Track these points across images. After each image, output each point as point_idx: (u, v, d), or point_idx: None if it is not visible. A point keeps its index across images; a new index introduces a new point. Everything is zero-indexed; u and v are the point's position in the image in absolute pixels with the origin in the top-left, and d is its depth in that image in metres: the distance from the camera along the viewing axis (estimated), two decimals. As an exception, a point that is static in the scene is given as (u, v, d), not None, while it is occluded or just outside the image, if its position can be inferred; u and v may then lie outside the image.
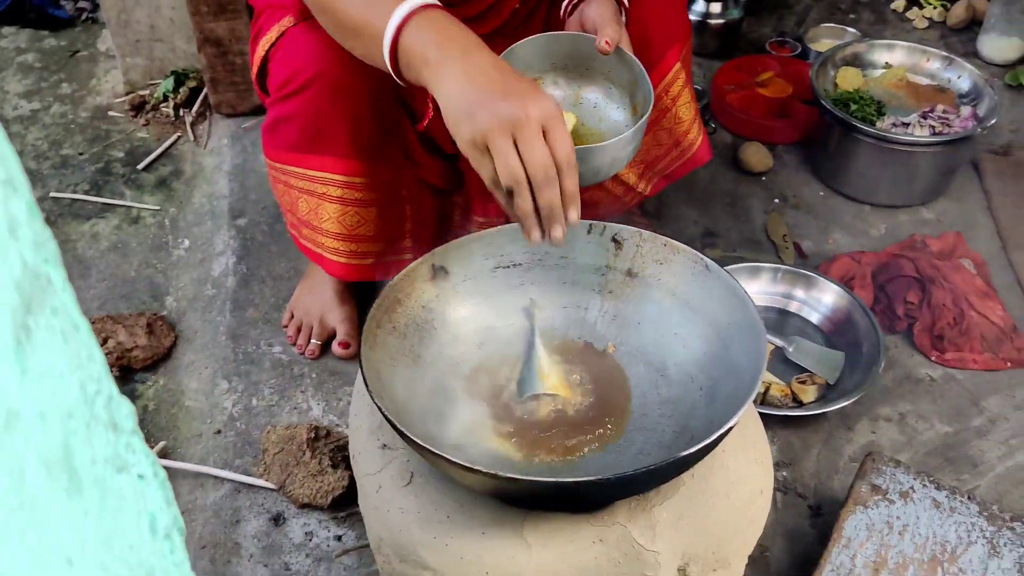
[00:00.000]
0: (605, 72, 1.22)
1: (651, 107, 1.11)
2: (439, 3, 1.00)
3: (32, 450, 0.29)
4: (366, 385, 0.85)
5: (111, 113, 2.23)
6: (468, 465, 0.76)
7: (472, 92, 0.92)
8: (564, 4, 1.29)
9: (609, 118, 1.23)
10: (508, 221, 1.54)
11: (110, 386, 0.38)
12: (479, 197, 1.51)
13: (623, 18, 1.24)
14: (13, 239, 0.30)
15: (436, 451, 0.78)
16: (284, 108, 1.31)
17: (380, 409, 0.82)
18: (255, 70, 1.37)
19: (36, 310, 0.31)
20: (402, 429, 0.80)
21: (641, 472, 0.76)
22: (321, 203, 1.38)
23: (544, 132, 0.91)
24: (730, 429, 0.80)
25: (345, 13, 1.04)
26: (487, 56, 0.96)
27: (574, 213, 0.94)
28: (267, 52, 1.33)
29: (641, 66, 1.15)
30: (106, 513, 0.35)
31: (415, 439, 0.79)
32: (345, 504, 1.38)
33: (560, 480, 0.76)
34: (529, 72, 1.24)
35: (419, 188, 1.47)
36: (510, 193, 0.93)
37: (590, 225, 1.05)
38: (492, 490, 0.83)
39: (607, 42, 1.13)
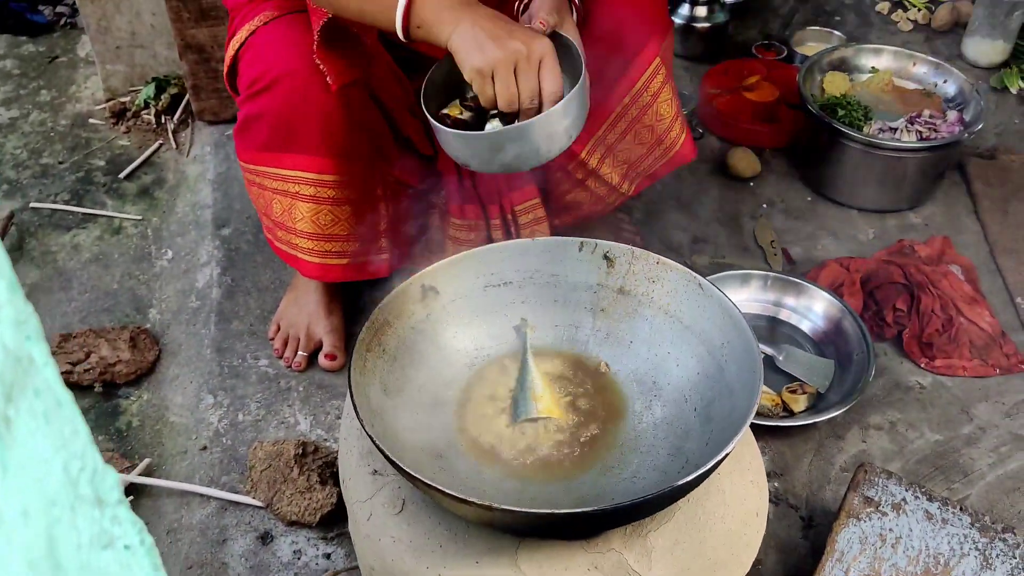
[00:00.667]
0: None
1: (583, 80, 1.16)
2: None
3: (15, 551, 0.28)
4: (356, 412, 0.83)
5: (91, 120, 2.20)
6: (461, 497, 0.75)
7: (482, 32, 1.10)
8: (516, 4, 1.30)
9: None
10: (487, 220, 1.53)
11: (95, 458, 0.36)
12: (456, 199, 1.50)
13: (574, 15, 1.27)
14: (-9, 323, 0.28)
15: (428, 482, 0.76)
16: (254, 106, 1.30)
17: (371, 437, 0.81)
18: (226, 69, 1.37)
19: (17, 397, 0.29)
20: (394, 460, 0.78)
21: (637, 502, 0.75)
22: (295, 203, 1.37)
23: (540, 66, 1.11)
24: (726, 455, 0.79)
25: None
26: (489, 10, 1.15)
27: None
28: (237, 52, 1.32)
29: (577, 47, 1.21)
30: (92, 597, 0.34)
31: (407, 469, 0.78)
32: (334, 521, 1.36)
33: (555, 512, 0.75)
34: None
35: (395, 188, 1.46)
36: (502, 115, 1.15)
37: (581, 243, 1.04)
38: (486, 520, 0.82)
39: (542, 22, 1.20)
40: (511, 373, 1.02)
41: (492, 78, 1.10)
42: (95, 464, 0.36)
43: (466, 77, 1.12)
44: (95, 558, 0.35)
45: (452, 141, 1.17)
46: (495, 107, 1.13)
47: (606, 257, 1.04)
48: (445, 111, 1.21)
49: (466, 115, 1.22)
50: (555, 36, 1.21)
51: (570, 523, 0.78)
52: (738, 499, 0.92)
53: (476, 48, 1.10)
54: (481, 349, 1.04)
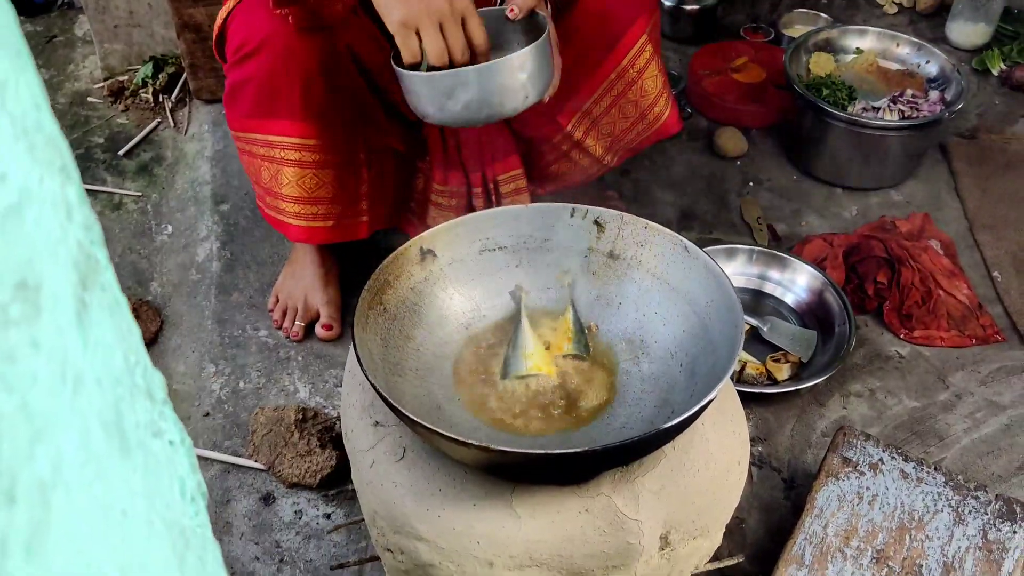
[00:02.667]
0: (531, 41, 1.27)
1: (544, 37, 1.18)
2: None
3: (94, 412, 0.32)
4: (360, 363, 0.88)
5: (90, 99, 2.23)
6: (460, 439, 0.80)
7: None
8: None
9: None
10: (468, 188, 1.57)
11: (145, 358, 0.41)
12: (440, 165, 1.54)
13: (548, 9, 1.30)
14: (70, 222, 0.33)
15: (429, 425, 0.81)
16: (240, 72, 1.34)
17: (374, 386, 0.85)
18: (215, 37, 1.40)
19: (90, 287, 0.34)
20: (395, 405, 0.83)
21: (625, 443, 0.80)
22: (280, 168, 1.41)
23: (464, 20, 1.15)
24: (709, 403, 0.84)
25: None
26: None
27: None
28: (225, 20, 1.36)
29: (547, 19, 1.24)
30: (149, 474, 0.38)
31: (408, 414, 0.82)
32: (333, 483, 1.42)
33: (549, 452, 0.80)
34: None
35: (380, 153, 1.49)
36: (431, 69, 1.17)
37: (573, 209, 1.09)
38: (483, 463, 0.87)
39: (512, 11, 1.23)
40: (506, 333, 1.07)
41: (417, 32, 1.14)
42: (146, 362, 0.41)
43: (390, 30, 1.15)
44: (149, 441, 0.39)
45: (410, 84, 1.19)
46: (419, 62, 1.16)
47: (596, 223, 1.09)
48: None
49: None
50: (534, 17, 1.24)
51: (561, 464, 0.83)
52: (721, 448, 0.97)
53: (398, 1, 1.12)
54: (477, 310, 1.08)
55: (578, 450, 0.79)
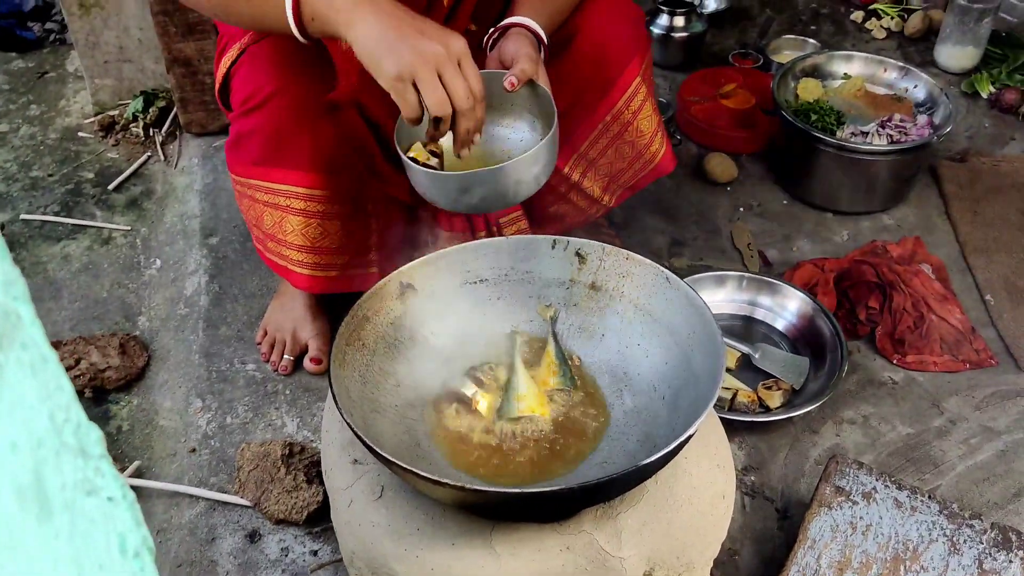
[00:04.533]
0: (527, 106, 1.28)
1: (554, 130, 1.17)
2: None
3: (5, 479, 0.31)
4: (335, 402, 0.87)
5: (80, 134, 2.24)
6: (435, 478, 0.78)
7: (390, 31, 1.01)
8: (485, 39, 1.33)
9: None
10: (473, 233, 1.57)
11: (78, 414, 0.40)
12: (445, 213, 1.53)
13: (542, 53, 1.29)
14: (-17, 281, 0.32)
15: (404, 465, 0.80)
16: (246, 123, 1.33)
17: (350, 426, 0.84)
18: (218, 87, 1.40)
19: (6, 347, 0.33)
20: (371, 445, 0.82)
21: (604, 481, 0.78)
22: (285, 216, 1.40)
23: (459, 65, 1.05)
24: (689, 437, 0.83)
25: None
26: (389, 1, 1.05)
27: (478, 137, 1.12)
28: (229, 69, 1.36)
29: (550, 97, 1.21)
30: (76, 536, 0.37)
31: (383, 453, 0.81)
32: (320, 519, 1.40)
33: (524, 491, 0.78)
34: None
35: (385, 203, 1.49)
36: (436, 121, 1.06)
37: (554, 240, 1.08)
38: (460, 502, 0.85)
39: (511, 82, 1.20)
40: (487, 369, 1.05)
41: (414, 83, 1.04)
42: (79, 418, 0.40)
43: (383, 85, 1.06)
44: (80, 502, 0.38)
45: (422, 179, 1.18)
46: (419, 115, 1.07)
47: (578, 254, 1.08)
48: (411, 154, 1.22)
49: (433, 161, 1.24)
50: (532, 84, 1.24)
51: (540, 502, 0.82)
52: (705, 482, 0.96)
53: (387, 52, 1.02)
54: (458, 345, 1.07)
55: (554, 488, 0.78)
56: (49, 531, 0.34)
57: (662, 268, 1.02)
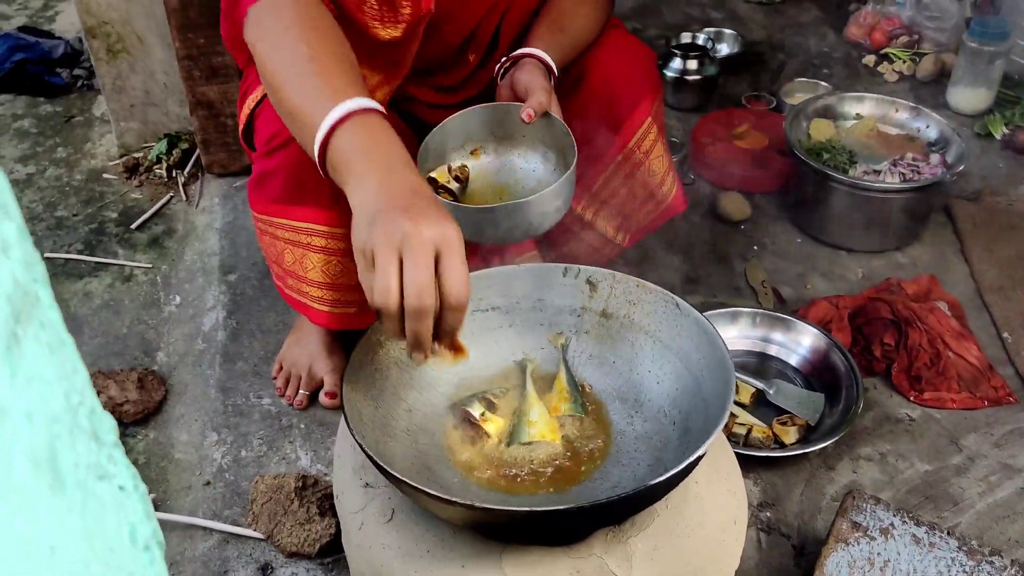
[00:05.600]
0: (540, 137, 1.30)
1: (574, 165, 1.18)
2: (381, 109, 0.99)
3: (20, 446, 0.32)
4: (347, 423, 0.87)
5: (105, 175, 2.29)
6: (444, 497, 0.79)
7: (379, 203, 0.89)
8: (497, 67, 1.36)
9: (547, 181, 1.30)
10: None
11: (92, 399, 0.41)
12: None
13: (552, 83, 1.31)
14: (5, 258, 0.33)
15: (414, 484, 0.80)
16: (270, 162, 1.36)
17: (360, 445, 0.85)
18: (242, 127, 1.43)
19: (25, 321, 0.34)
20: (381, 464, 0.82)
21: (614, 500, 0.79)
22: (306, 253, 1.42)
23: (437, 258, 0.86)
24: (699, 458, 0.83)
25: (288, 97, 1.04)
26: (409, 175, 0.94)
27: (442, 345, 0.90)
28: (253, 111, 1.39)
29: (567, 128, 1.23)
30: (88, 514, 0.38)
31: (393, 472, 0.82)
32: (332, 551, 1.39)
33: (534, 509, 0.78)
34: (468, 143, 1.33)
35: None
36: (376, 312, 0.88)
37: (565, 268, 1.09)
38: (470, 522, 0.85)
39: (529, 114, 1.23)
40: (497, 392, 1.06)
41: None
42: (93, 404, 0.41)
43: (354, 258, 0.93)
44: (92, 484, 0.39)
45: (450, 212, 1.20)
46: (379, 300, 0.87)
47: (589, 282, 1.09)
48: (433, 174, 1.24)
49: (453, 186, 1.27)
50: (547, 116, 1.26)
51: (549, 521, 0.82)
52: (716, 507, 0.95)
53: (365, 223, 0.89)
54: (470, 371, 1.08)
55: (565, 507, 0.78)
56: (62, 504, 0.35)
57: (672, 295, 1.03)
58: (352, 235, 0.91)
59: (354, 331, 1.71)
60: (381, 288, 0.85)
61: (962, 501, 1.48)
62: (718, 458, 1.00)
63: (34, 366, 0.35)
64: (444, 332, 0.89)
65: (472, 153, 1.37)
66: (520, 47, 1.38)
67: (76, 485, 0.38)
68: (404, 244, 0.85)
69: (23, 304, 0.34)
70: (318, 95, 0.98)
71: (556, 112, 1.26)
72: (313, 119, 0.98)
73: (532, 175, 1.30)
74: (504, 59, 1.36)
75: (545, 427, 1.02)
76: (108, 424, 0.43)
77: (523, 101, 1.28)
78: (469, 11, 1.38)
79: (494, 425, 1.01)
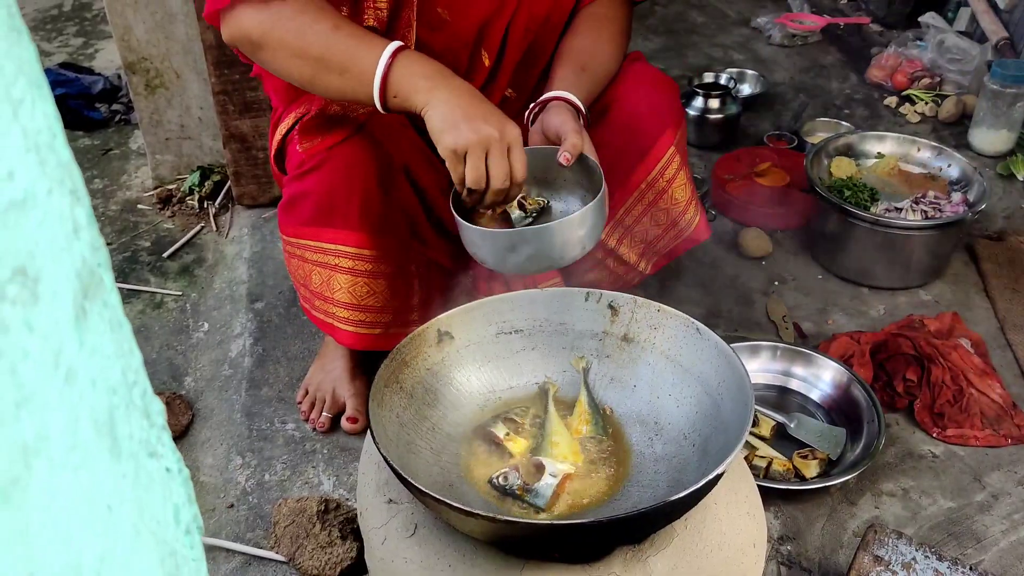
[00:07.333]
0: (577, 179, 1.33)
1: (602, 194, 1.22)
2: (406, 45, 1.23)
3: (85, 408, 0.35)
4: (373, 438, 0.90)
5: (140, 206, 2.35)
6: (466, 508, 0.80)
7: (458, 110, 1.17)
8: (527, 113, 1.40)
9: None
10: None
11: (145, 381, 0.44)
12: (484, 277, 1.58)
13: (581, 123, 1.35)
14: (76, 238, 0.36)
15: (437, 496, 0.82)
16: (300, 185, 1.41)
17: (385, 458, 0.87)
18: (273, 152, 1.48)
19: (91, 297, 0.37)
20: (404, 476, 0.84)
21: (633, 515, 0.80)
22: (333, 274, 1.45)
23: (508, 150, 1.18)
24: (719, 476, 0.84)
25: (331, 55, 1.23)
26: (464, 84, 1.22)
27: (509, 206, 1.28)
28: (284, 136, 1.44)
29: (599, 168, 1.27)
30: (139, 485, 0.40)
31: (417, 485, 0.83)
32: (353, 575, 1.40)
33: (555, 523, 0.80)
34: None
35: (427, 266, 1.54)
36: (469, 191, 1.21)
37: (587, 293, 1.11)
38: (491, 535, 0.87)
39: (566, 158, 1.27)
40: (520, 416, 1.08)
41: (464, 158, 1.18)
42: (146, 385, 0.43)
43: (441, 154, 1.20)
44: (143, 459, 0.42)
45: (471, 236, 1.24)
46: (462, 181, 1.21)
47: (610, 306, 1.11)
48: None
49: (515, 213, 1.30)
50: (582, 157, 1.29)
51: (569, 536, 0.83)
52: (735, 530, 0.96)
53: (450, 127, 1.17)
54: (492, 392, 1.10)
55: (583, 521, 0.79)
56: (118, 469, 0.38)
57: (692, 320, 1.05)
58: (436, 136, 1.18)
59: (377, 355, 1.75)
60: (475, 177, 1.18)
61: (985, 538, 1.47)
62: (737, 481, 1.01)
63: (98, 340, 0.37)
64: (508, 199, 1.26)
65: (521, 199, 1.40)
66: (529, 57, 1.44)
67: (130, 456, 0.40)
68: (490, 145, 1.17)
69: (90, 282, 0.37)
70: (360, 45, 1.22)
71: (590, 151, 1.30)
72: (365, 63, 1.21)
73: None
74: (533, 104, 1.40)
75: (567, 448, 1.03)
76: (158, 407, 0.45)
77: (555, 144, 1.32)
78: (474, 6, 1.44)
79: (517, 445, 1.03)
